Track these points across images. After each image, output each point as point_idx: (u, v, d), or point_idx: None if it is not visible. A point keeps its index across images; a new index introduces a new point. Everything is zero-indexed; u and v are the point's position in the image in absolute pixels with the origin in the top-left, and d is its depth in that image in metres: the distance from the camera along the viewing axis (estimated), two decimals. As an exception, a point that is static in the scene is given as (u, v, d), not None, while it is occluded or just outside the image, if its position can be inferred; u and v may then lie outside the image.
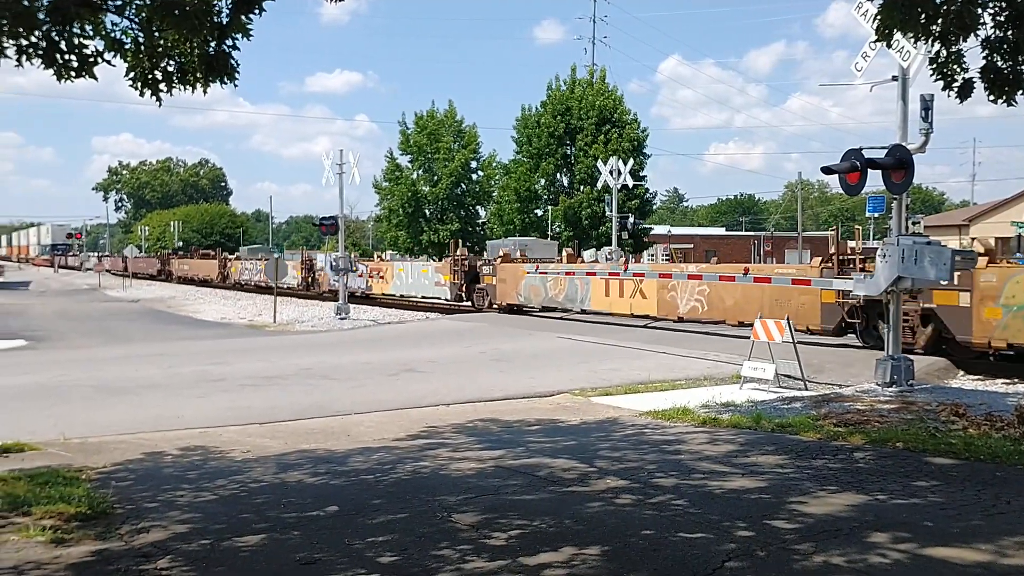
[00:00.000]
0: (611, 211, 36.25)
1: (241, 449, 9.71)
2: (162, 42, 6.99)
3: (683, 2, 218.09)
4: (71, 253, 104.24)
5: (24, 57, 6.47)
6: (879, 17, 7.91)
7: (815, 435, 9.94)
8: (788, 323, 14.13)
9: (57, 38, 6.54)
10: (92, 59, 6.71)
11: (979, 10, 7.60)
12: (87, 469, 8.55)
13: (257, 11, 6.95)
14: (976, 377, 15.98)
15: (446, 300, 33.11)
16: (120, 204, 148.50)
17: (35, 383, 14.69)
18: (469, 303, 31.96)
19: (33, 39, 6.47)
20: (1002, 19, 7.87)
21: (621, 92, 56.59)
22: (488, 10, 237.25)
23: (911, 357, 13.86)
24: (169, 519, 6.87)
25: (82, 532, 6.50)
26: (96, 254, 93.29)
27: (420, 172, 61.34)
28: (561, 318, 27.34)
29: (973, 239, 21.53)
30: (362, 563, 5.79)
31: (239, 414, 12.01)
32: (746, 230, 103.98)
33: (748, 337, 15.06)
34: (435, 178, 60.49)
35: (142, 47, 6.98)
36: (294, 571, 5.70)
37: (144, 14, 6.89)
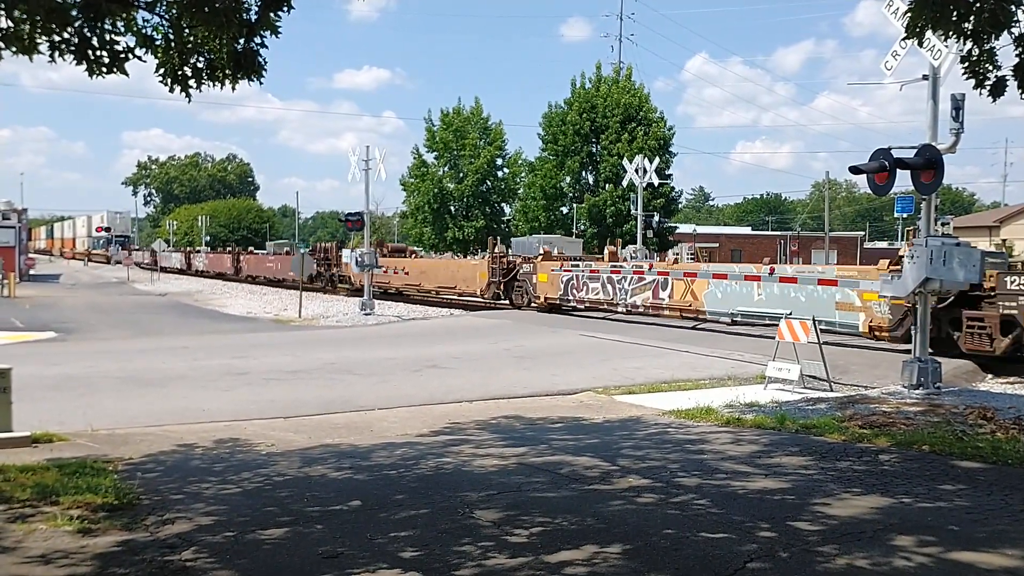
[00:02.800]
0: (636, 209, 36.15)
1: (266, 443, 9.79)
2: (192, 39, 7.07)
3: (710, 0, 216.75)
4: (134, 247, 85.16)
5: (57, 53, 6.56)
6: (910, 15, 7.82)
7: (840, 437, 9.87)
8: (814, 324, 14.02)
9: (89, 34, 6.62)
10: (123, 55, 6.79)
11: (1013, 7, 7.50)
12: (114, 460, 8.65)
13: (286, 8, 7.00)
14: (1005, 380, 15.80)
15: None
16: (149, 199, 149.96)
17: (65, 374, 14.89)
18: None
19: (66, 35, 6.56)
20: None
21: (647, 90, 56.50)
22: (516, 7, 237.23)
23: (938, 360, 13.71)
24: (194, 511, 6.94)
25: (109, 522, 6.58)
26: (203, 249, 72.08)
27: (446, 169, 61.49)
28: (584, 316, 27.31)
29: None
30: (384, 558, 5.82)
31: (264, 408, 12.11)
32: (772, 229, 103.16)
33: (773, 337, 14.98)
34: (461, 175, 60.61)
35: (172, 43, 7.07)
36: (317, 564, 5.74)
37: (174, 11, 6.98)
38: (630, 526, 6.53)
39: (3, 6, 6.34)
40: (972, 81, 8.10)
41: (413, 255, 43.57)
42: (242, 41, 7.03)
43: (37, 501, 7.04)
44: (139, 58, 6.96)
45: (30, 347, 20.07)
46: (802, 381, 13.84)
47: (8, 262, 43.29)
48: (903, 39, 13.04)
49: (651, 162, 37.25)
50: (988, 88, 8.06)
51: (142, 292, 45.84)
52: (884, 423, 10.57)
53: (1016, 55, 7.93)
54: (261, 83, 7.33)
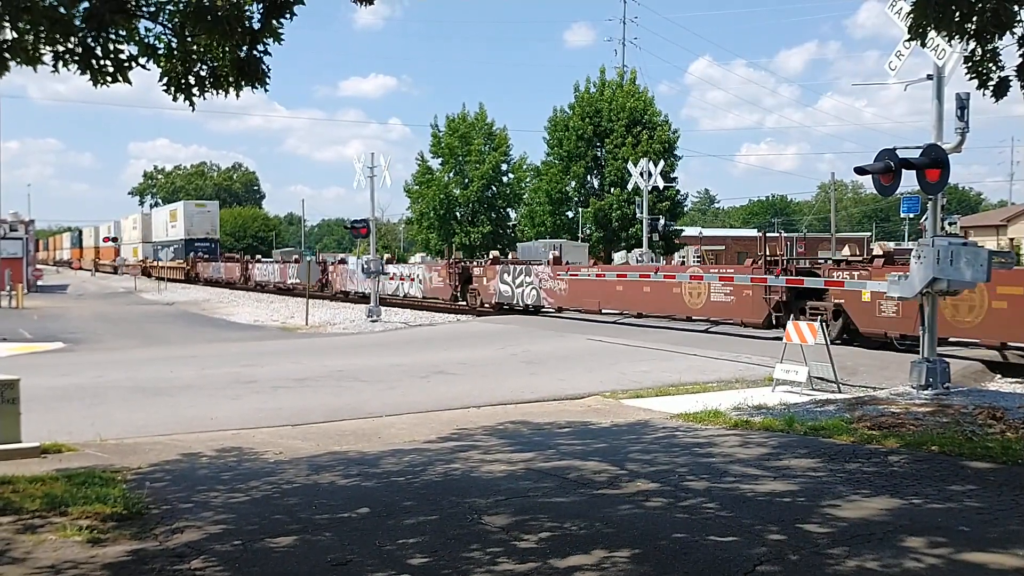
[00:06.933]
0: (641, 213, 36.15)
1: (274, 451, 9.78)
2: (195, 47, 7.08)
3: (713, 3, 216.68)
4: (237, 257, 60.51)
5: (61, 63, 6.59)
6: (912, 15, 7.81)
7: (849, 438, 9.83)
8: (821, 325, 13.98)
9: (93, 44, 6.65)
10: (127, 64, 6.81)
11: (1015, 7, 7.48)
12: (123, 470, 8.66)
13: (288, 16, 7.01)
14: (1014, 380, 15.72)
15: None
16: (155, 208, 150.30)
17: (73, 384, 14.91)
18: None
19: (69, 45, 6.59)
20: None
21: (651, 93, 56.48)
22: (519, 14, 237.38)
23: (947, 360, 13.66)
24: (203, 520, 6.94)
25: (118, 532, 6.59)
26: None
27: (451, 175, 61.59)
28: (587, 320, 27.29)
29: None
30: (393, 564, 5.81)
31: (271, 416, 12.11)
32: (778, 231, 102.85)
33: (779, 339, 14.93)
34: (466, 180, 60.70)
35: (175, 52, 7.08)
36: (326, 572, 5.73)
37: (177, 19, 6.99)
38: (639, 530, 6.51)
39: (7, 17, 6.37)
40: (975, 81, 8.09)
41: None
42: (245, 49, 7.05)
43: (46, 511, 7.05)
44: (143, 67, 6.98)
45: (38, 358, 20.12)
46: (810, 383, 13.79)
47: (16, 273, 43.43)
48: (906, 40, 12.95)
49: (656, 165, 37.26)
50: (991, 88, 8.05)
51: (149, 301, 45.92)
52: (893, 424, 10.53)
53: (1019, 55, 7.92)
54: (265, 90, 7.35)
